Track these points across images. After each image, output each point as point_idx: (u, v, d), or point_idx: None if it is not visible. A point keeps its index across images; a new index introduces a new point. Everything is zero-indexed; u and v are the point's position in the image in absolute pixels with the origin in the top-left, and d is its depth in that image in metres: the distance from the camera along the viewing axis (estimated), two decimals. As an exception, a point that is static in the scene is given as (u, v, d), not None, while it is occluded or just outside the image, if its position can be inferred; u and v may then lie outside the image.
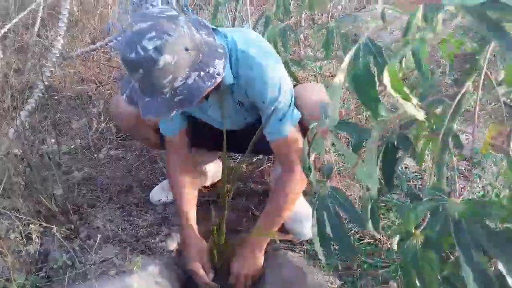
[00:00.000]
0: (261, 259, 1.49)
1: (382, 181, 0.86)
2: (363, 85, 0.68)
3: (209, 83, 1.17)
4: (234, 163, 2.04)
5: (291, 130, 1.37)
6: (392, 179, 0.85)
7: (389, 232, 1.53)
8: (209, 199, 1.83)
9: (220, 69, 1.19)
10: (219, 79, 1.19)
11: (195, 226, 1.53)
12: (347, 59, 0.67)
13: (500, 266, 0.56)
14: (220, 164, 1.92)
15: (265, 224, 1.46)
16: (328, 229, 0.81)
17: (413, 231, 0.68)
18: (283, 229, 1.59)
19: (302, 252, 1.55)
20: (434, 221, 0.61)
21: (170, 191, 1.68)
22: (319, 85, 1.52)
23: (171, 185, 1.61)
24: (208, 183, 1.92)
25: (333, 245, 0.85)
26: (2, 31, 2.67)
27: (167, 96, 1.15)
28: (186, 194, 1.55)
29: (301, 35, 2.57)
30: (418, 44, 0.66)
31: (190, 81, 1.15)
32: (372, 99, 0.68)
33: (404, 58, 0.70)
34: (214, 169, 1.90)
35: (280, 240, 1.57)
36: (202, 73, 1.16)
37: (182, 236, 1.58)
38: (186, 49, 1.12)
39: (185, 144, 1.57)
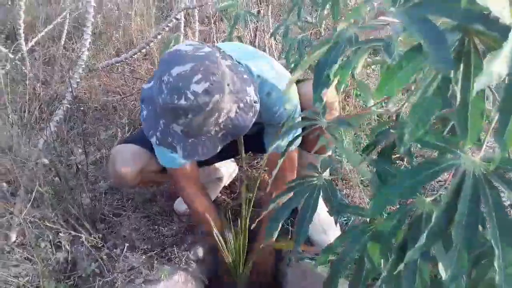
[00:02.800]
0: (270, 258, 1.58)
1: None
2: (324, 64, 0.69)
3: (251, 113, 1.17)
4: (256, 173, 2.05)
5: (295, 147, 1.39)
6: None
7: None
8: (233, 208, 1.85)
9: (254, 96, 1.19)
10: (258, 107, 1.19)
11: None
12: (313, 55, 0.70)
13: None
14: (232, 162, 1.94)
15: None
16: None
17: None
18: (306, 240, 1.61)
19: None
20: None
21: (194, 218, 1.65)
22: None
23: (192, 214, 1.59)
24: (227, 183, 1.95)
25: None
26: (30, 44, 2.75)
27: (212, 133, 1.15)
28: (215, 214, 1.54)
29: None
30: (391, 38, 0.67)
31: (232, 114, 1.15)
32: (323, 78, 0.69)
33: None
34: (228, 169, 1.92)
35: (303, 250, 1.57)
36: (241, 105, 1.16)
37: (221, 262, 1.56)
38: (228, 85, 1.11)
39: (196, 171, 1.50)
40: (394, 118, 0.85)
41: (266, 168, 1.98)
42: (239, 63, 1.25)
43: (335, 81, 0.74)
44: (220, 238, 1.47)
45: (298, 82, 1.41)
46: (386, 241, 0.69)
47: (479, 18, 0.48)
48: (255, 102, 1.18)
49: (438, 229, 0.59)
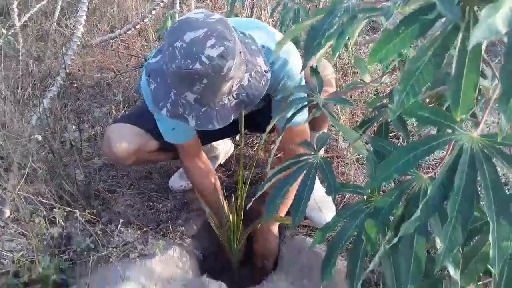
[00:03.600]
0: (275, 241, 1.58)
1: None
2: (317, 30, 0.68)
3: (263, 82, 1.17)
4: (251, 150, 2.05)
5: (306, 119, 1.37)
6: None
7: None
8: (227, 185, 1.85)
9: (264, 66, 1.18)
10: (269, 76, 1.18)
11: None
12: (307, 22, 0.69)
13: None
14: (228, 140, 1.93)
15: (279, 211, 1.48)
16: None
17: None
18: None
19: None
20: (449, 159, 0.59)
21: (198, 195, 1.63)
22: (324, 61, 1.48)
23: (197, 190, 1.57)
24: (222, 161, 1.95)
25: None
26: (23, 19, 2.70)
27: (225, 102, 1.13)
28: (215, 188, 1.55)
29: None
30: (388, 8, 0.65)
31: (244, 83, 1.14)
32: (314, 44, 0.68)
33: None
34: (224, 147, 1.92)
35: (298, 226, 1.58)
36: (253, 73, 1.15)
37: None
38: (240, 52, 1.10)
39: (199, 143, 1.50)
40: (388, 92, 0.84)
41: (263, 146, 1.98)
42: (243, 34, 1.24)
43: (326, 47, 0.72)
44: (216, 218, 1.47)
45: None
46: (383, 218, 0.69)
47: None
48: (265, 71, 1.18)
49: (433, 202, 0.58)
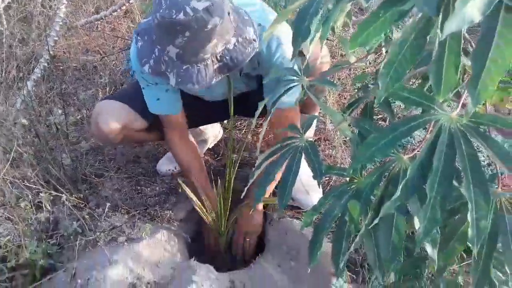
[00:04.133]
0: (260, 218, 1.57)
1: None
2: (304, 15, 0.68)
3: (249, 49, 1.15)
4: (240, 134, 2.04)
5: (296, 101, 1.36)
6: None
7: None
8: (216, 168, 1.85)
9: (254, 36, 1.16)
10: (256, 45, 1.17)
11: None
12: (297, 3, 0.68)
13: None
14: (217, 124, 1.93)
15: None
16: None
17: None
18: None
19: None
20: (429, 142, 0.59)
21: (179, 168, 1.65)
22: (317, 46, 1.47)
23: (180, 165, 1.57)
24: (211, 145, 1.95)
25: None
26: (6, 1, 2.64)
27: (207, 62, 1.12)
28: (199, 168, 1.55)
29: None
30: None
31: (230, 46, 1.12)
32: (303, 29, 0.68)
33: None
34: (213, 131, 1.91)
35: (285, 208, 1.59)
36: (240, 39, 1.14)
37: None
38: (228, 13, 1.08)
39: (184, 121, 1.50)
40: (374, 72, 0.84)
41: (251, 129, 1.97)
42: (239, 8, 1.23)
43: (318, 35, 0.72)
44: (201, 195, 1.47)
45: None
46: (365, 199, 0.70)
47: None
48: (254, 40, 1.16)
49: (412, 183, 0.59)
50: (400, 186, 0.57)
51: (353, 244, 0.70)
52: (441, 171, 0.55)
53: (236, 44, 1.13)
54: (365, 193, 0.68)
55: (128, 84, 1.93)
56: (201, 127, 1.81)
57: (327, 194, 0.79)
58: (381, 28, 0.51)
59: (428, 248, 0.61)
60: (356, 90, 2.14)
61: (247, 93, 1.48)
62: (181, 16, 1.02)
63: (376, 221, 0.63)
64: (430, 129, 0.61)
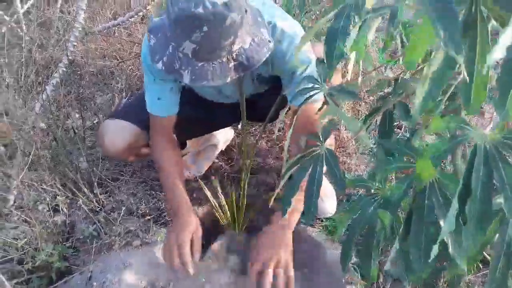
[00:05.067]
0: (290, 240, 1.31)
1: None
2: (335, 35, 0.68)
3: (266, 49, 1.12)
4: (253, 139, 2.05)
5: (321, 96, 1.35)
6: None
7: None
8: (229, 174, 1.85)
9: (268, 37, 1.14)
10: (271, 46, 1.14)
11: (188, 201, 1.39)
12: (323, 19, 0.68)
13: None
14: (229, 128, 1.92)
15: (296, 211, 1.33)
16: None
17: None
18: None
19: (321, 228, 1.57)
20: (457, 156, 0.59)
21: (158, 170, 1.53)
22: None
23: (158, 163, 1.47)
24: (223, 148, 1.95)
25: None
26: (26, 6, 2.69)
27: (223, 60, 1.09)
28: (176, 173, 1.44)
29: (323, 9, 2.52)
30: (397, 5, 0.65)
31: (246, 46, 1.10)
32: (335, 50, 0.68)
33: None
34: (223, 134, 1.91)
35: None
36: (256, 39, 1.11)
37: (173, 207, 1.38)
38: (246, 11, 1.06)
39: (172, 127, 1.46)
40: (393, 82, 0.84)
41: (264, 135, 1.98)
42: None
43: (353, 56, 0.72)
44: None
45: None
46: (393, 210, 0.70)
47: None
48: (269, 41, 1.14)
49: (460, 208, 0.59)
50: (452, 218, 0.57)
51: (388, 260, 0.69)
52: (480, 191, 0.55)
53: (252, 43, 1.11)
54: (394, 204, 0.68)
55: (130, 101, 1.92)
56: (214, 133, 1.83)
57: (351, 206, 0.79)
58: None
59: (460, 262, 0.61)
60: (371, 98, 2.14)
61: (255, 98, 1.48)
62: (200, 9, 1.00)
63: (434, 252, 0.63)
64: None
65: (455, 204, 0.58)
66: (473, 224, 0.57)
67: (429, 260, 0.63)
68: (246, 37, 1.09)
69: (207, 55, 1.07)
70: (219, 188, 1.54)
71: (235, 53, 1.09)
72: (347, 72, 0.84)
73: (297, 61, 1.24)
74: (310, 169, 0.84)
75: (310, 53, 1.28)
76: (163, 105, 1.40)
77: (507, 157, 0.57)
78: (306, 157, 0.85)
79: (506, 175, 0.56)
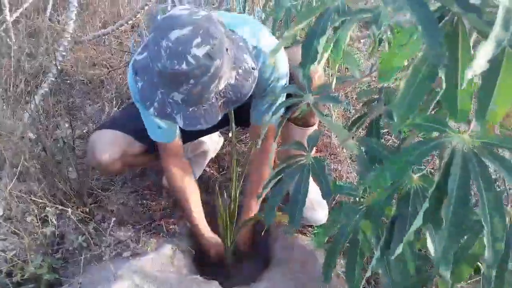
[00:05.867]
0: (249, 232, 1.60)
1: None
2: (313, 37, 0.68)
3: (251, 80, 1.15)
4: (245, 147, 2.05)
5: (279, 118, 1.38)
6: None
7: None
8: (221, 182, 1.84)
9: (252, 63, 1.16)
10: (256, 73, 1.16)
11: (207, 228, 1.55)
12: (300, 25, 0.68)
13: None
14: (215, 134, 1.92)
15: (250, 203, 1.54)
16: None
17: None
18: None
19: (313, 236, 1.57)
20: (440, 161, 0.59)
21: (175, 196, 1.62)
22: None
23: (176, 191, 1.52)
24: (213, 155, 1.95)
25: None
26: (14, 15, 2.67)
27: (213, 101, 1.12)
28: (194, 199, 1.52)
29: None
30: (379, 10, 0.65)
31: (232, 81, 1.12)
32: (312, 51, 0.69)
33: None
34: (212, 141, 1.91)
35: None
36: (240, 71, 1.13)
37: (199, 239, 1.56)
38: (226, 49, 1.08)
39: (181, 148, 1.48)
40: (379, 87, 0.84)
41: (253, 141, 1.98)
42: (232, 30, 1.22)
43: (325, 56, 0.72)
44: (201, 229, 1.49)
45: (285, 47, 1.39)
46: (376, 218, 0.70)
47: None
48: (253, 68, 1.16)
49: (431, 210, 0.59)
50: (421, 214, 0.56)
51: (369, 268, 0.69)
52: (456, 195, 0.55)
53: (237, 77, 1.13)
54: (376, 212, 0.68)
55: (119, 111, 1.92)
56: (199, 138, 1.82)
57: (335, 212, 0.79)
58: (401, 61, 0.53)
59: (443, 272, 0.61)
60: (360, 103, 2.15)
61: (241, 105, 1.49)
62: (183, 66, 1.01)
63: (398, 251, 0.62)
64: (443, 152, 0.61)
65: (426, 203, 0.58)
66: (448, 226, 0.57)
67: (411, 272, 0.62)
68: (231, 72, 1.11)
69: (196, 101, 1.09)
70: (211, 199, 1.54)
71: (222, 91, 1.12)
72: (321, 74, 0.84)
73: (281, 86, 1.30)
74: (296, 179, 0.83)
75: (286, 66, 1.31)
76: (165, 133, 1.38)
77: (485, 162, 0.57)
78: (292, 166, 0.85)
79: (482, 180, 0.56)
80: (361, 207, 0.75)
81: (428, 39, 0.45)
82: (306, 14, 0.67)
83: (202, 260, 1.60)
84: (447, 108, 0.53)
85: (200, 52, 1.01)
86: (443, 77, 0.49)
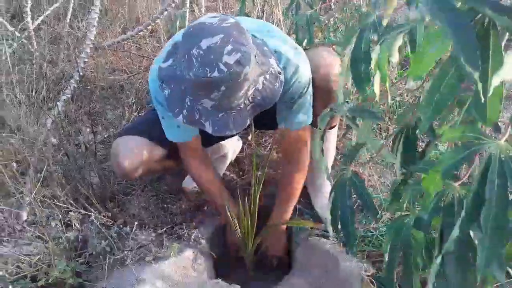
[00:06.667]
0: (283, 237, 1.61)
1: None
2: (358, 60, 0.67)
3: (278, 84, 1.17)
4: (264, 151, 2.04)
5: (309, 121, 1.38)
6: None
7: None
8: (241, 186, 1.84)
9: (277, 68, 1.18)
10: (282, 78, 1.18)
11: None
12: (354, 38, 0.68)
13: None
14: (235, 137, 1.92)
15: (282, 214, 1.55)
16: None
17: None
18: (316, 217, 1.62)
19: (335, 239, 1.55)
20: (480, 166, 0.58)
21: (202, 190, 1.66)
22: (327, 49, 1.47)
23: (201, 184, 1.55)
24: (232, 159, 1.95)
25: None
26: (36, 22, 2.73)
27: (242, 106, 1.13)
28: (220, 187, 1.55)
29: (331, 19, 2.52)
30: (416, 24, 0.64)
31: (259, 86, 1.14)
32: (362, 74, 0.68)
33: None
34: (231, 144, 1.91)
35: (312, 227, 1.57)
36: (267, 76, 1.15)
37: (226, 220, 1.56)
38: (255, 56, 1.10)
39: (200, 144, 1.48)
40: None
41: (275, 146, 1.97)
42: (254, 36, 1.22)
43: (378, 76, 0.72)
44: (229, 212, 1.47)
45: (304, 49, 1.39)
46: (426, 228, 0.69)
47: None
48: (279, 73, 1.17)
49: (470, 217, 0.58)
50: (458, 224, 0.56)
51: (429, 282, 0.68)
52: (495, 202, 0.54)
53: (265, 82, 1.14)
54: (426, 222, 0.67)
55: (140, 117, 1.93)
56: (220, 142, 1.82)
57: (388, 231, 0.78)
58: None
59: (497, 275, 0.59)
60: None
61: None
62: (215, 74, 1.03)
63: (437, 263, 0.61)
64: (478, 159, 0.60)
65: (463, 213, 0.57)
66: (488, 233, 0.55)
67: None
68: (258, 78, 1.13)
69: (226, 107, 1.11)
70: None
71: (251, 97, 1.14)
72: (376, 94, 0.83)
73: (304, 86, 1.29)
74: (339, 195, 0.83)
75: (307, 69, 1.31)
76: (184, 130, 1.39)
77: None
78: (337, 182, 0.85)
79: None
80: (408, 219, 0.74)
81: (458, 42, 0.44)
82: (345, 41, 0.67)
83: (223, 264, 1.60)
84: (476, 112, 0.52)
85: (231, 59, 1.03)
86: (477, 81, 0.48)
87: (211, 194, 1.56)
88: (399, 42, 0.64)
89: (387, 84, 0.70)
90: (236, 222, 1.48)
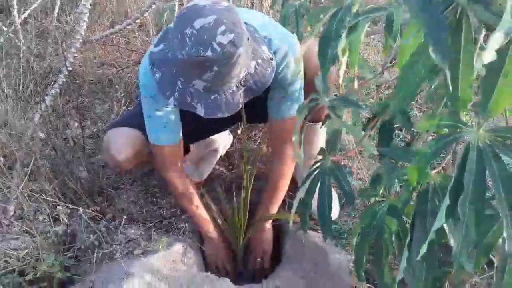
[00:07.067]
0: (269, 235, 1.60)
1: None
2: (330, 39, 0.67)
3: (270, 69, 1.17)
4: (254, 145, 2.04)
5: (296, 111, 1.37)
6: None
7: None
8: (231, 180, 1.84)
9: (269, 54, 1.18)
10: (274, 64, 1.18)
11: (214, 230, 1.56)
12: (319, 25, 0.68)
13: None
14: (225, 132, 1.92)
15: (268, 207, 1.54)
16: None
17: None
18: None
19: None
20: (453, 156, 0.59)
21: (179, 201, 1.61)
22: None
23: (181, 196, 1.52)
24: (223, 153, 1.94)
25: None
26: (23, 16, 2.69)
27: (234, 89, 1.13)
28: (198, 202, 1.52)
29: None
30: (393, 9, 0.65)
31: (252, 70, 1.14)
32: (328, 54, 0.68)
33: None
34: (222, 138, 1.90)
35: (295, 221, 1.57)
36: (259, 61, 1.15)
37: (207, 240, 1.57)
38: (248, 39, 1.10)
39: (181, 153, 1.47)
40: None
41: (265, 141, 1.97)
42: (246, 24, 1.21)
43: (345, 58, 0.72)
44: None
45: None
46: (399, 215, 0.70)
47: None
48: (271, 59, 1.18)
49: (451, 207, 0.58)
50: (443, 211, 0.56)
51: (399, 273, 0.68)
52: (472, 190, 0.54)
53: (257, 66, 1.14)
54: (399, 209, 0.67)
55: (131, 109, 1.91)
56: (211, 136, 1.81)
57: (362, 216, 0.78)
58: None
59: (465, 265, 0.60)
60: (371, 100, 2.14)
61: (253, 99, 1.48)
62: (209, 53, 1.02)
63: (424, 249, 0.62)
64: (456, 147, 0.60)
65: (446, 200, 0.57)
66: (467, 220, 0.56)
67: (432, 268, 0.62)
68: (250, 62, 1.13)
69: (218, 88, 1.11)
70: (222, 197, 1.54)
71: (243, 80, 1.13)
72: (339, 77, 0.84)
73: (293, 73, 1.29)
74: (319, 185, 0.83)
75: (300, 61, 1.31)
76: (169, 131, 1.36)
77: (500, 155, 0.56)
78: (314, 173, 0.84)
79: (498, 173, 0.55)
80: (383, 205, 0.74)
81: (434, 45, 0.45)
82: (319, 11, 0.66)
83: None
84: (448, 97, 0.53)
85: (224, 39, 1.02)
86: (447, 72, 0.49)
87: (192, 216, 1.55)
88: (367, 25, 0.65)
89: (355, 68, 0.70)
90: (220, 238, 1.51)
